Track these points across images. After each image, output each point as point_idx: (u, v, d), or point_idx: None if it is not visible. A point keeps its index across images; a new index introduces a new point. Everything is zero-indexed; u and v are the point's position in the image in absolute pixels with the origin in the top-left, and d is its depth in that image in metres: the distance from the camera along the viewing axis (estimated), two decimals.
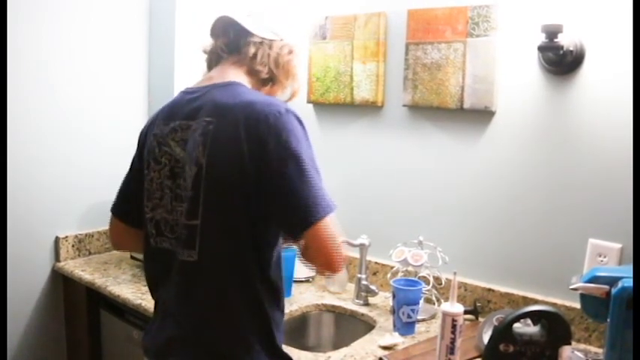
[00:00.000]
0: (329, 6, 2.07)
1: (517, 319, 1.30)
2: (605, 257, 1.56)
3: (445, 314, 1.33)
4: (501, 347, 1.29)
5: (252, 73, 1.27)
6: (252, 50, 1.25)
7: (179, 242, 1.19)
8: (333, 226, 1.12)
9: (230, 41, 1.28)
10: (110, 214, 1.40)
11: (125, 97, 2.29)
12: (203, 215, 1.15)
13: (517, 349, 1.29)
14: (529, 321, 1.36)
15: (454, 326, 1.32)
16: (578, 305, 1.37)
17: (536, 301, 1.64)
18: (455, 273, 1.35)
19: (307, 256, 1.16)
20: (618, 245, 1.54)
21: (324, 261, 1.13)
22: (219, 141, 1.14)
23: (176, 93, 1.32)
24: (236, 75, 1.25)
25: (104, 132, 2.23)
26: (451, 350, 1.33)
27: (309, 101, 2.15)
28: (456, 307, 1.33)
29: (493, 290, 1.76)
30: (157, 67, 2.32)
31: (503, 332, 1.29)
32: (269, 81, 1.30)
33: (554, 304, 1.57)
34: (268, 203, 1.12)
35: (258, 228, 1.15)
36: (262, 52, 1.26)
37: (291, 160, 1.11)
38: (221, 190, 1.14)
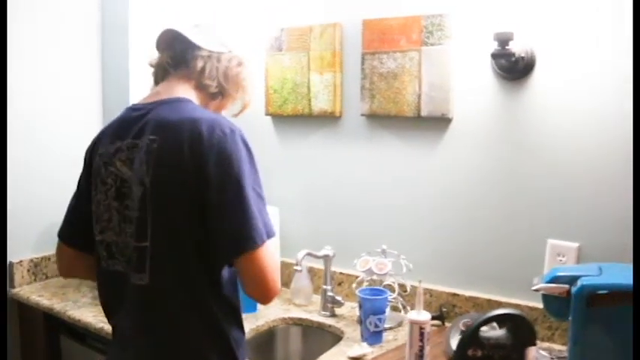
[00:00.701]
0: (284, 18, 2.07)
1: (483, 323, 1.31)
2: (563, 257, 1.59)
3: (412, 323, 1.34)
4: (470, 352, 1.31)
5: (200, 87, 1.23)
6: (199, 64, 1.22)
7: (130, 265, 1.15)
8: (269, 256, 1.09)
9: (176, 55, 1.24)
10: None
11: (80, 113, 2.23)
12: (151, 236, 1.11)
13: (485, 354, 1.30)
14: (495, 324, 1.38)
15: (422, 334, 1.33)
16: (540, 305, 1.39)
17: (500, 304, 1.67)
18: (420, 281, 1.36)
19: (240, 281, 1.14)
20: (576, 244, 1.58)
21: (254, 290, 1.11)
22: (163, 160, 1.10)
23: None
24: (184, 90, 1.22)
25: (57, 152, 2.16)
26: (420, 358, 1.33)
27: (267, 113, 2.14)
28: (422, 315, 1.34)
29: (458, 295, 1.78)
30: (111, 81, 2.28)
31: (470, 337, 1.30)
32: (219, 95, 1.27)
33: (517, 306, 1.60)
34: (209, 224, 1.09)
35: (206, 248, 1.11)
36: (210, 66, 1.22)
37: (229, 185, 1.08)
38: (167, 210, 1.11)
